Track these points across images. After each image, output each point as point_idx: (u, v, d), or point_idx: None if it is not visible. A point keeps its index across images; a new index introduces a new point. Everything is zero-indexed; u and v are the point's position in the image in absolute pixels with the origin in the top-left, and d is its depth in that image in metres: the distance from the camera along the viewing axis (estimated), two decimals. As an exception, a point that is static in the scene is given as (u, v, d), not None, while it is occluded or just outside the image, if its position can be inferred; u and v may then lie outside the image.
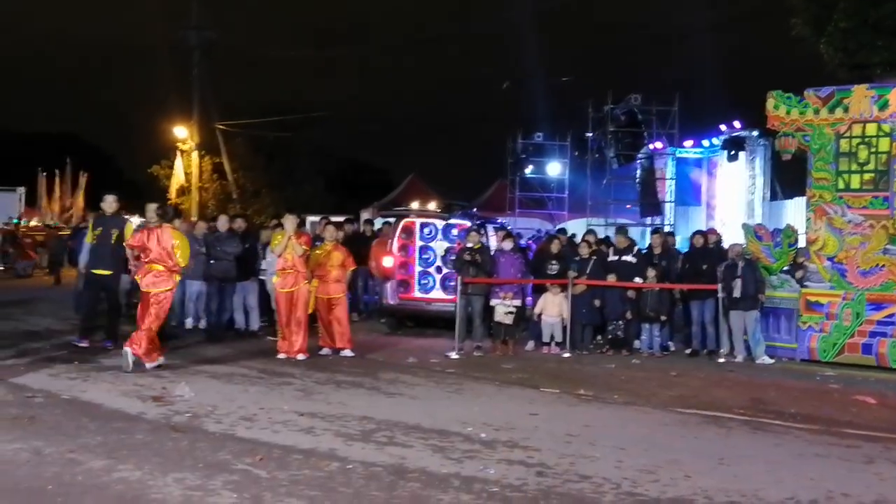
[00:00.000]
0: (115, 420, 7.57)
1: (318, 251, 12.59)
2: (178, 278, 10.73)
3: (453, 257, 14.37)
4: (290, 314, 11.84)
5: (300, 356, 11.68)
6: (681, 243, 16.63)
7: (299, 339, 11.79)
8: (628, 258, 13.99)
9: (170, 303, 10.81)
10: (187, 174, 34.22)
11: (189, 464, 6.21)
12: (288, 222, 12.19)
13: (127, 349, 10.03)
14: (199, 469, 6.09)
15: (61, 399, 8.45)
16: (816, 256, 13.30)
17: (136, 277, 10.83)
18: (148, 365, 10.08)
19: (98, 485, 5.69)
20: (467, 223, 15.22)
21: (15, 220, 31.74)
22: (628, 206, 23.25)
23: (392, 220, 16.95)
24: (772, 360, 13.01)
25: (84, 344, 11.59)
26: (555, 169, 24.48)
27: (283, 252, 11.86)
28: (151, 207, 12.41)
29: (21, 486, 5.64)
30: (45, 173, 37.75)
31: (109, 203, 12.04)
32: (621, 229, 15.54)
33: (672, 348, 13.99)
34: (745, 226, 14.90)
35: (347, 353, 12.21)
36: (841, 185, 13.23)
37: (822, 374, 12.18)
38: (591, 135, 22.70)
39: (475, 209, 21.83)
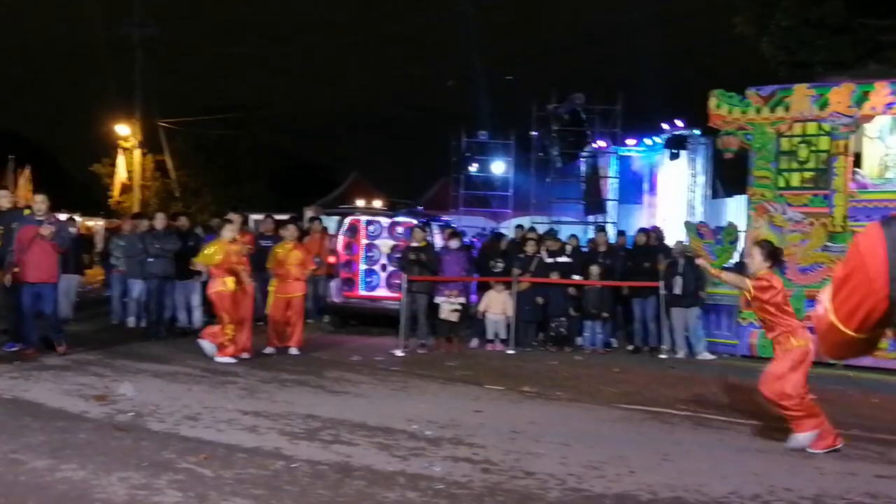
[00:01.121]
0: (57, 419, 7.46)
1: (278, 250, 12.51)
2: None
3: (398, 255, 14.31)
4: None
5: (244, 354, 11.53)
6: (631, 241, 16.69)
7: (243, 338, 11.62)
8: (563, 259, 14.06)
9: None
10: (129, 172, 33.67)
11: (133, 463, 6.14)
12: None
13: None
14: (143, 468, 6.02)
15: (3, 398, 8.31)
16: (757, 254, 13.44)
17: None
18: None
19: (41, 484, 5.61)
20: (412, 221, 15.17)
21: None
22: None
23: (321, 218, 16.87)
24: (713, 357, 13.17)
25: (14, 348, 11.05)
26: (499, 167, 24.48)
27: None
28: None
29: (-41, 487, 5.51)
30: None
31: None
32: (550, 232, 15.62)
33: (614, 345, 14.07)
34: (687, 223, 15.05)
35: (294, 350, 12.10)
36: (781, 184, 13.43)
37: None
38: (534, 133, 22.74)
39: (420, 207, 21.76)
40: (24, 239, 10.71)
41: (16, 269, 10.67)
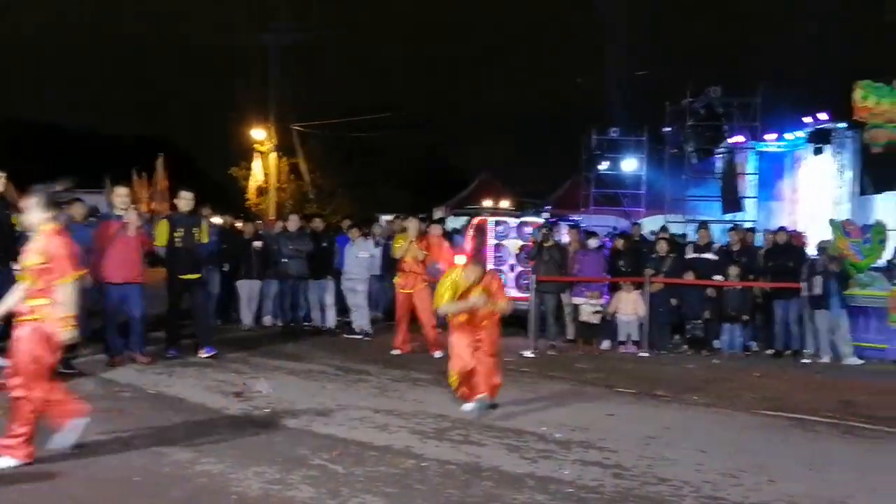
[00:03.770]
0: (198, 414, 7.80)
1: (397, 243, 12.55)
2: None
3: (526, 255, 14.20)
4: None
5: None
6: (760, 240, 16.06)
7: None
8: (709, 255, 13.60)
9: None
10: (265, 175, 34.67)
11: (268, 458, 6.31)
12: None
13: None
14: (277, 463, 6.18)
15: (147, 393, 8.69)
16: (909, 253, 12.71)
17: None
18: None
19: (182, 476, 5.84)
20: (540, 220, 15.02)
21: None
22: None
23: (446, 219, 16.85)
24: (861, 361, 12.49)
25: (173, 354, 10.96)
26: (631, 165, 24.01)
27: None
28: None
29: (111, 476, 5.80)
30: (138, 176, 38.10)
31: (187, 201, 11.25)
32: (703, 225, 15.10)
33: (755, 348, 13.53)
34: (832, 221, 14.34)
35: (438, 354, 12.08)
36: (935, 179, 12.64)
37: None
38: (668, 129, 22.21)
39: (548, 206, 21.57)
40: (103, 235, 10.21)
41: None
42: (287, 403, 8.32)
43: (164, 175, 20.81)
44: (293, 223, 14.17)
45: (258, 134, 34.48)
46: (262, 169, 34.71)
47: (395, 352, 12.08)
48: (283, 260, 13.72)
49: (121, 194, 10.56)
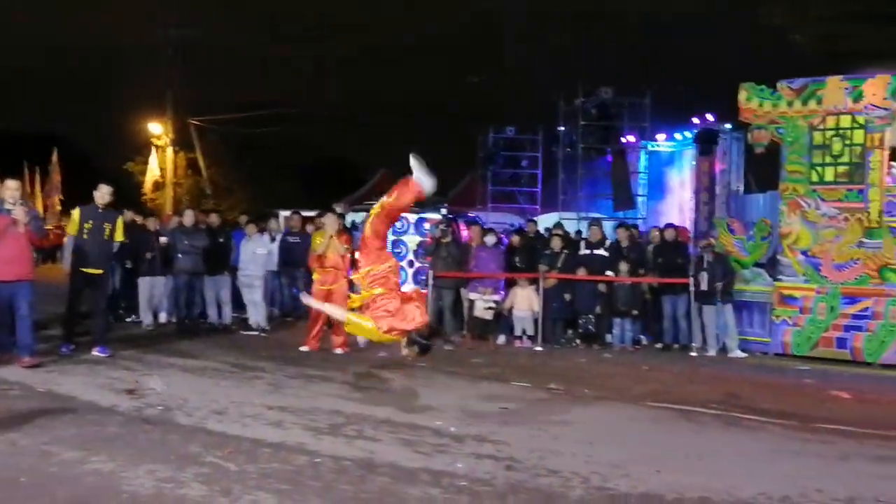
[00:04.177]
0: (89, 412, 7.59)
1: (316, 239, 12.40)
2: None
3: (424, 251, 14.24)
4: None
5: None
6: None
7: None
8: (600, 252, 13.88)
9: None
10: (162, 170, 33.98)
11: (161, 456, 6.21)
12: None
13: None
14: (170, 461, 6.08)
15: (37, 392, 8.44)
16: (790, 250, 13.23)
17: None
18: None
19: (72, 476, 5.70)
20: (438, 217, 15.10)
21: None
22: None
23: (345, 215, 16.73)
24: (745, 355, 12.95)
25: (67, 350, 10.69)
26: (526, 163, 24.34)
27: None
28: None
29: (-3, 476, 5.63)
30: (30, 171, 36.67)
31: (103, 194, 11.00)
32: (595, 222, 15.40)
33: (644, 342, 13.88)
34: (717, 219, 14.83)
35: (339, 351, 12.02)
36: (815, 178, 13.18)
37: (796, 369, 12.13)
38: (562, 129, 22.58)
39: (445, 204, 21.66)
40: None
41: None
42: (180, 401, 8.18)
43: (57, 169, 20.22)
44: (188, 218, 13.88)
45: (155, 128, 33.80)
46: (159, 164, 34.00)
47: (304, 349, 11.95)
48: (178, 256, 13.42)
49: (11, 188, 9.97)
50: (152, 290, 13.96)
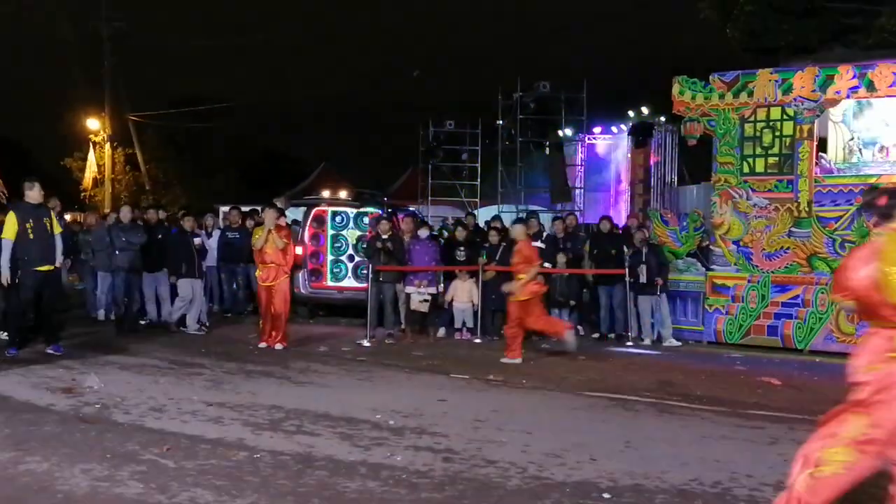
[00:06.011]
0: (23, 412, 7.52)
1: (256, 235, 12.40)
2: None
3: (365, 245, 14.25)
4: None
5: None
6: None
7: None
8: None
9: None
10: (100, 166, 33.49)
11: (97, 455, 6.17)
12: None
13: None
14: (106, 460, 6.04)
15: None
16: (722, 240, 13.53)
17: None
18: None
19: (4, 476, 5.66)
20: (378, 211, 15.11)
21: None
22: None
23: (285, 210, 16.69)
24: (679, 343, 13.22)
25: (13, 353, 10.48)
26: (466, 157, 24.44)
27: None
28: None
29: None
30: None
31: (38, 191, 10.81)
32: (533, 214, 15.56)
33: (581, 332, 14.05)
34: (651, 211, 15.08)
35: (279, 346, 12.02)
36: (745, 170, 13.50)
37: (729, 356, 12.42)
38: (501, 122, 22.72)
39: (386, 197, 21.68)
40: None
41: None
42: (118, 399, 8.13)
43: None
44: (126, 215, 13.70)
45: (92, 124, 33.33)
46: (97, 160, 33.51)
47: (262, 345, 11.96)
48: (115, 252, 13.24)
49: None
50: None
